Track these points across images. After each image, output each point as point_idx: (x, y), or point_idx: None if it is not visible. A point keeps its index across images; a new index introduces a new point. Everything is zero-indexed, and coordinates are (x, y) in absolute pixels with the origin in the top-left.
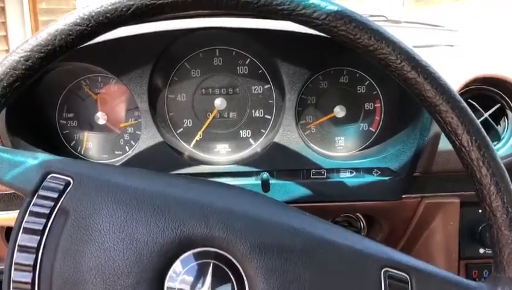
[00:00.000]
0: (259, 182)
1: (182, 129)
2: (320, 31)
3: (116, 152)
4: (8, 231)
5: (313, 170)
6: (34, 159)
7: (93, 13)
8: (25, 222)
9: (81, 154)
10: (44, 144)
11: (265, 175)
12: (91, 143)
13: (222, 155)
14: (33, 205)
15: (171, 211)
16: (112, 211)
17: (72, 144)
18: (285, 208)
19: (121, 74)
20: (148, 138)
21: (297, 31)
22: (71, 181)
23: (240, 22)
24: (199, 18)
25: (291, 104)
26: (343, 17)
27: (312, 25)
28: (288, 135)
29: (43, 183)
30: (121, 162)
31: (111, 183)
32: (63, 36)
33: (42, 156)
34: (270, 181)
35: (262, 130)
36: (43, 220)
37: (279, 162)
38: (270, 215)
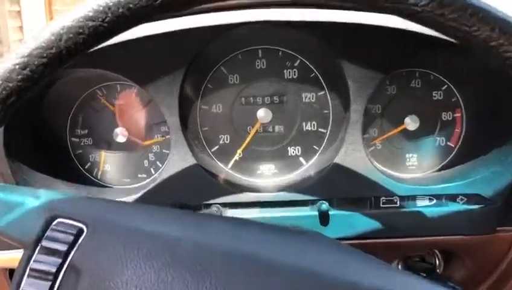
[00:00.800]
0: (316, 213)
1: (217, 147)
2: (418, 22)
3: (140, 175)
4: (12, 272)
5: (383, 198)
6: (35, 198)
7: (111, 4)
8: (25, 283)
9: (97, 179)
10: (52, 169)
11: (324, 205)
12: (109, 165)
13: (267, 178)
14: (35, 261)
15: (220, 271)
16: (139, 270)
17: (86, 167)
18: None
19: (145, 81)
20: (179, 159)
21: (365, 23)
22: (84, 229)
23: (290, 15)
24: (238, 10)
25: (357, 116)
26: (454, 1)
27: (407, 14)
28: (353, 154)
29: (48, 233)
30: (144, 190)
31: (137, 231)
32: (71, 35)
33: (45, 195)
34: (330, 212)
35: (315, 147)
36: (48, 283)
37: (340, 187)
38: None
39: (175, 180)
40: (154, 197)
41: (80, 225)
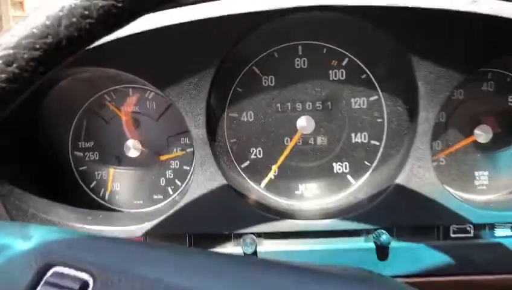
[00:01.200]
0: (372, 245)
1: (248, 163)
2: None
3: (155, 196)
4: None
5: (454, 226)
6: (24, 239)
7: None
8: None
9: (104, 201)
10: (51, 190)
11: (384, 236)
12: (119, 184)
13: (307, 200)
14: None
15: None
16: None
17: (91, 186)
18: None
19: (166, 84)
20: (205, 178)
21: (443, 7)
22: (90, 282)
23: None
24: None
25: (427, 126)
26: None
27: None
28: (419, 173)
29: (40, 287)
30: (162, 216)
31: (157, 283)
32: (74, 20)
33: (38, 233)
34: (390, 244)
35: (366, 163)
36: None
37: (402, 214)
38: None
39: (200, 204)
40: (174, 225)
41: (84, 276)
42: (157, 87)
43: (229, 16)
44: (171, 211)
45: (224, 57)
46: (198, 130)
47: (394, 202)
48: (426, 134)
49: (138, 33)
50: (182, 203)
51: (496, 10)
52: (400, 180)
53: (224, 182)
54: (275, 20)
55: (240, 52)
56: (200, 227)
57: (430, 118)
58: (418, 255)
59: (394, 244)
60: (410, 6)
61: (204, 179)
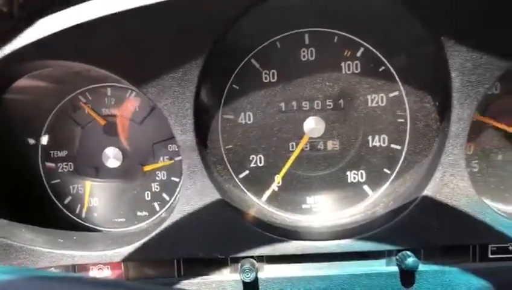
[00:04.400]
0: (395, 269)
1: (247, 173)
2: None
3: (139, 213)
4: None
5: (493, 246)
6: None
7: None
8: None
9: (80, 219)
10: (15, 207)
11: (410, 260)
12: (97, 199)
13: (317, 216)
14: None
15: None
16: None
17: (66, 202)
18: None
19: (143, 80)
20: (195, 192)
21: None
22: None
23: None
24: None
25: (462, 126)
26: None
27: None
28: (453, 182)
29: None
30: (146, 237)
31: None
32: None
33: None
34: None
35: (386, 171)
36: None
37: (432, 232)
38: None
39: (189, 223)
40: (159, 249)
41: None
42: (133, 84)
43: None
44: (155, 233)
45: (214, 46)
46: (185, 136)
47: (421, 217)
48: (460, 135)
49: (104, 17)
50: (167, 223)
51: None
52: (428, 191)
53: (218, 196)
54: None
55: (235, 41)
56: (189, 251)
57: (466, 116)
58: (450, 280)
59: (421, 267)
60: None
61: (194, 193)
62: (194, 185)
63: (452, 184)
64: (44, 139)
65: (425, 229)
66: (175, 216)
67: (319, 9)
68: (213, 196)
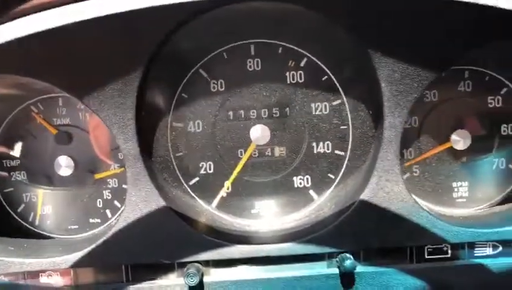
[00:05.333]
0: (336, 270)
1: (197, 180)
2: None
3: (92, 220)
4: None
5: (429, 246)
6: None
7: None
8: None
9: (33, 227)
10: None
11: (348, 261)
12: (50, 207)
13: (265, 220)
14: None
15: None
16: None
17: (19, 210)
18: None
19: (83, 92)
20: (140, 199)
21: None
22: None
23: None
24: None
25: (394, 133)
26: None
27: None
28: (387, 187)
29: None
30: (95, 243)
31: None
32: None
33: None
34: (357, 269)
35: (330, 176)
36: None
37: (369, 234)
38: None
39: (135, 229)
40: (106, 255)
41: None
42: (74, 95)
43: (152, 7)
44: (102, 239)
45: (152, 57)
46: (127, 144)
47: (359, 220)
48: (393, 142)
49: (43, 31)
50: (114, 230)
51: None
52: (365, 195)
53: (163, 203)
54: (210, 12)
55: (181, 51)
56: (136, 257)
57: (397, 123)
58: (387, 281)
59: (360, 269)
60: None
61: (139, 201)
62: (139, 193)
63: (387, 188)
64: None
65: (364, 232)
66: (121, 223)
67: (263, 22)
68: (158, 203)
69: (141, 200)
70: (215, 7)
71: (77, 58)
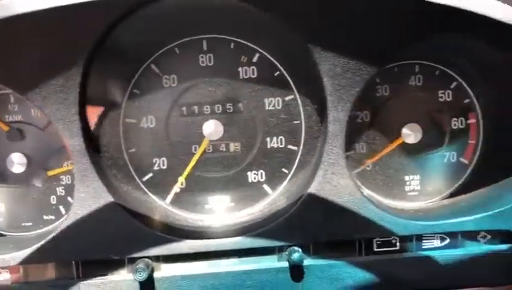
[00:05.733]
0: (286, 265)
1: (150, 175)
2: None
3: (46, 217)
4: None
5: (377, 239)
6: None
7: None
8: None
9: None
10: None
11: (296, 254)
12: (3, 205)
13: (219, 215)
14: None
15: None
16: None
17: None
18: None
19: (25, 87)
20: (88, 195)
21: None
22: None
23: None
24: None
25: (338, 127)
26: None
27: None
28: (333, 180)
29: None
30: (41, 242)
31: None
32: None
33: None
34: (305, 262)
35: (284, 170)
36: None
37: (317, 227)
38: None
39: (84, 225)
40: (55, 251)
41: None
42: (17, 91)
43: (91, 1)
44: (51, 236)
45: (94, 51)
46: (73, 140)
47: (307, 213)
48: (338, 136)
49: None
50: (63, 226)
51: None
52: (312, 189)
53: (111, 199)
54: (145, 6)
55: (131, 46)
56: (85, 253)
57: (341, 117)
58: (337, 274)
59: (309, 262)
60: None
61: (87, 197)
62: (87, 189)
63: (334, 182)
64: None
65: (312, 225)
66: (70, 219)
67: (214, 18)
68: (106, 199)
69: (89, 197)
70: (152, 1)
71: (18, 53)
